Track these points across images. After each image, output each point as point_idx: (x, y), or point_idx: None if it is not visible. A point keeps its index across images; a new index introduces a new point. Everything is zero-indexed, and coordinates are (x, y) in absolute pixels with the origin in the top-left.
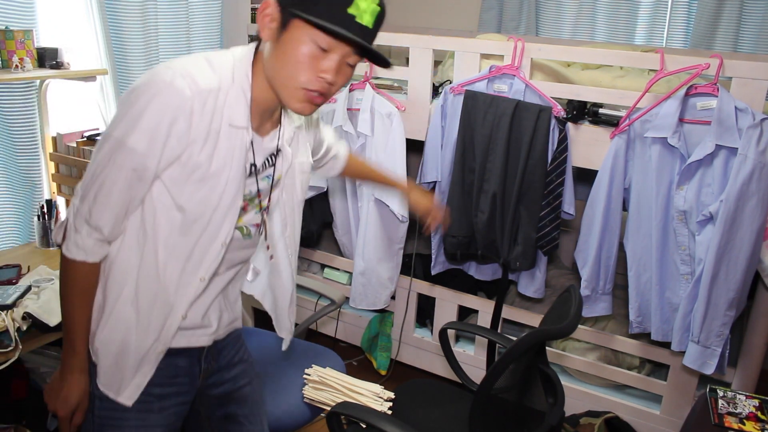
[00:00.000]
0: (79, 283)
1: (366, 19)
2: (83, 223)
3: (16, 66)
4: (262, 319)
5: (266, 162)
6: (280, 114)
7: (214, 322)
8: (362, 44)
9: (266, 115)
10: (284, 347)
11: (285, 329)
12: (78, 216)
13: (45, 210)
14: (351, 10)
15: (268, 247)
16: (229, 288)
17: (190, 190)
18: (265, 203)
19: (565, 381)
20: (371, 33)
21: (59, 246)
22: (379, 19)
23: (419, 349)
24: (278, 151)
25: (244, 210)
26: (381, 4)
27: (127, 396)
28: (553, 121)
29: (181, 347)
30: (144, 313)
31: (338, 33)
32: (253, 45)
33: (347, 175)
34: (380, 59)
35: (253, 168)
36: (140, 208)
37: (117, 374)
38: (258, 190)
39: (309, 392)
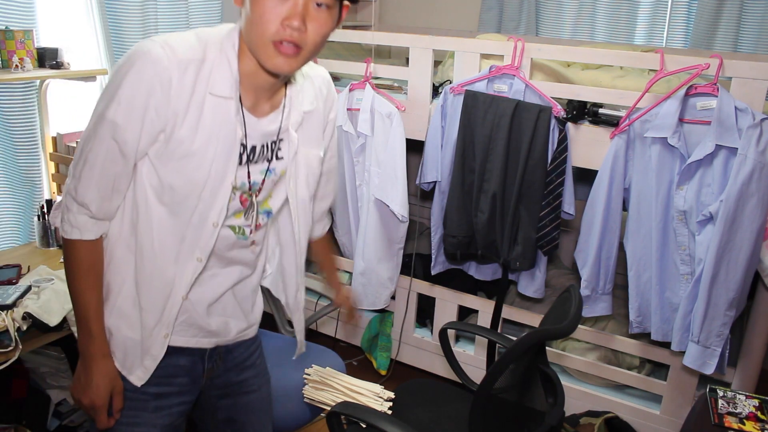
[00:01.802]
0: (82, 262)
1: None
2: (72, 200)
3: (16, 66)
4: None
5: (264, 148)
6: (285, 97)
7: (217, 327)
8: None
9: (262, 93)
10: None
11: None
12: (68, 194)
13: (45, 210)
14: None
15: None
16: (236, 291)
17: (176, 167)
18: (257, 197)
19: (565, 381)
20: None
21: (56, 229)
22: None
23: (419, 349)
24: (280, 139)
25: (242, 205)
26: None
27: (138, 377)
28: (553, 121)
29: (182, 346)
30: (144, 294)
31: None
32: (240, 23)
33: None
34: None
35: (244, 150)
36: (132, 188)
37: (129, 355)
38: (249, 182)
39: (309, 392)
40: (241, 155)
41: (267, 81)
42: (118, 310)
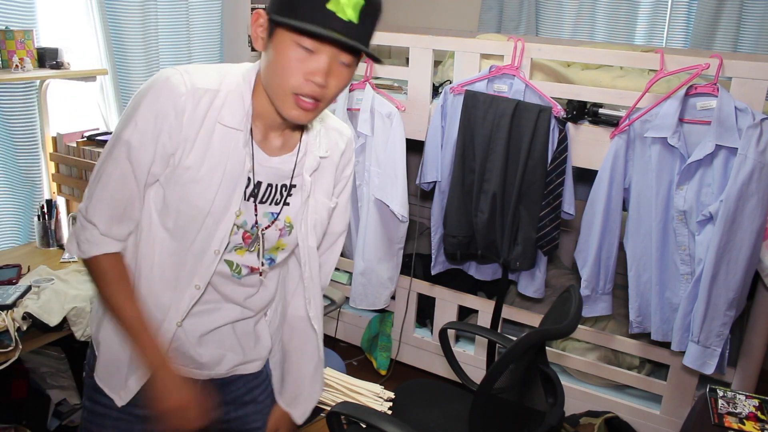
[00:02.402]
0: (108, 274)
1: (349, 14)
2: (83, 219)
3: (16, 66)
4: None
5: (273, 189)
6: (300, 141)
7: (209, 359)
8: (341, 41)
9: (273, 130)
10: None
11: (300, 401)
12: (79, 213)
13: (45, 210)
14: (330, 6)
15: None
16: (237, 326)
17: (181, 192)
18: (263, 241)
19: (565, 381)
20: (358, 28)
21: (77, 255)
22: (366, 11)
23: (419, 349)
24: (293, 185)
25: (244, 242)
26: None
27: (121, 397)
28: (553, 121)
29: None
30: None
31: (315, 32)
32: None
33: None
34: (369, 56)
35: (249, 183)
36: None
37: (115, 372)
38: (256, 221)
39: None
40: (246, 188)
41: (277, 120)
42: (110, 328)
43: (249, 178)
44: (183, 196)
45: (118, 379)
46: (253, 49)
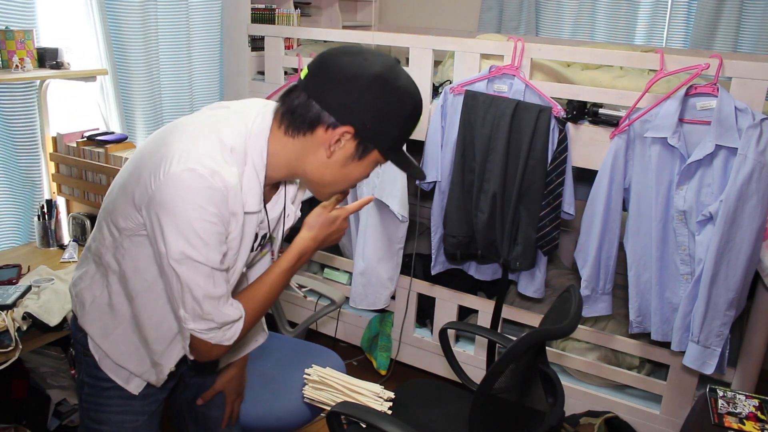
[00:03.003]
0: (259, 309)
1: None
2: (219, 326)
3: (16, 66)
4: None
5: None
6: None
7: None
8: (423, 176)
9: (271, 186)
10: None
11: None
12: (209, 329)
13: (45, 210)
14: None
15: None
16: None
17: None
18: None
19: (565, 381)
20: None
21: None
22: None
23: (419, 349)
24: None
25: None
26: None
27: (134, 386)
28: (553, 121)
29: None
30: (146, 339)
31: (409, 171)
32: (268, 120)
33: None
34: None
35: (257, 238)
36: (138, 262)
37: (123, 371)
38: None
39: (309, 392)
40: (253, 243)
41: (281, 180)
42: (119, 334)
43: (256, 233)
44: None
45: (124, 374)
46: (253, 49)
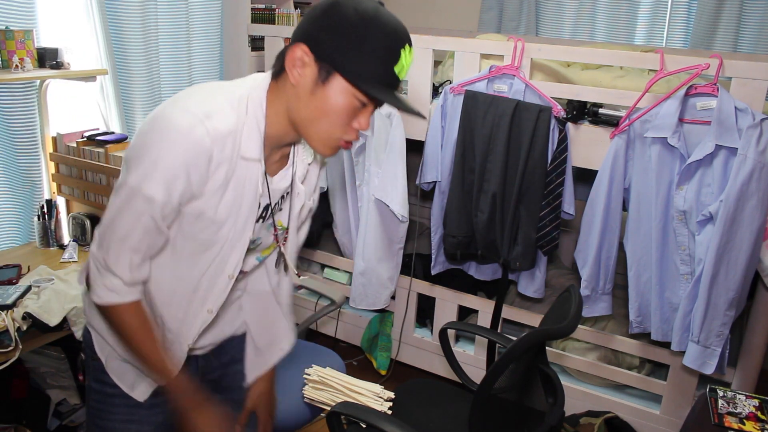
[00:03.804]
0: (132, 324)
1: (404, 74)
2: (104, 269)
3: (16, 66)
4: None
5: (276, 206)
6: (290, 151)
7: (212, 339)
8: (414, 112)
9: (274, 150)
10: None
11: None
12: (97, 262)
13: (45, 210)
14: (396, 68)
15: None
16: (226, 312)
17: (198, 227)
18: (262, 252)
19: (565, 381)
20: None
21: (95, 300)
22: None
23: (419, 349)
24: (287, 192)
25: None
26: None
27: (140, 393)
28: (553, 121)
29: None
30: (156, 319)
31: (397, 106)
32: (268, 74)
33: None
34: (417, 115)
35: (260, 207)
36: None
37: (130, 373)
38: (261, 238)
39: (309, 392)
40: (258, 214)
41: (285, 142)
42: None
43: (267, 205)
44: (199, 231)
45: (130, 378)
46: (253, 49)
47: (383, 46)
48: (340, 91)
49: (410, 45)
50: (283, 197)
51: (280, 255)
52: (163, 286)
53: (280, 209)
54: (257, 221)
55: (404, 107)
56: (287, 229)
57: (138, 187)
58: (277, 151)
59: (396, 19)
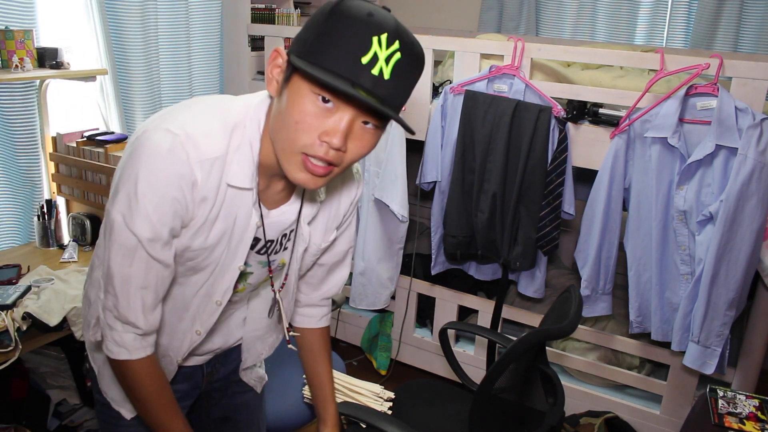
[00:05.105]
0: (143, 384)
1: (381, 68)
2: (114, 319)
3: (16, 66)
4: None
5: (275, 242)
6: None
7: (220, 344)
8: (367, 103)
9: (275, 180)
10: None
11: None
12: (106, 311)
13: (45, 210)
14: (365, 59)
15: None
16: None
17: (186, 254)
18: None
19: (565, 381)
20: (389, 85)
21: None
22: (403, 66)
23: (419, 349)
24: (291, 230)
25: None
26: (406, 51)
27: (129, 409)
28: (553, 121)
29: (180, 364)
30: None
31: (337, 89)
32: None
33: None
34: (399, 122)
35: (258, 242)
36: None
37: (119, 387)
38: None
39: (309, 392)
40: (251, 245)
41: (282, 173)
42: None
43: (256, 237)
44: (187, 258)
45: (122, 393)
46: (253, 49)
47: (350, 33)
48: (298, 90)
49: (394, 36)
50: (285, 235)
51: (275, 303)
52: None
53: (284, 248)
54: (256, 251)
55: (366, 102)
56: (287, 265)
57: (122, 222)
58: (278, 182)
59: (382, 12)
